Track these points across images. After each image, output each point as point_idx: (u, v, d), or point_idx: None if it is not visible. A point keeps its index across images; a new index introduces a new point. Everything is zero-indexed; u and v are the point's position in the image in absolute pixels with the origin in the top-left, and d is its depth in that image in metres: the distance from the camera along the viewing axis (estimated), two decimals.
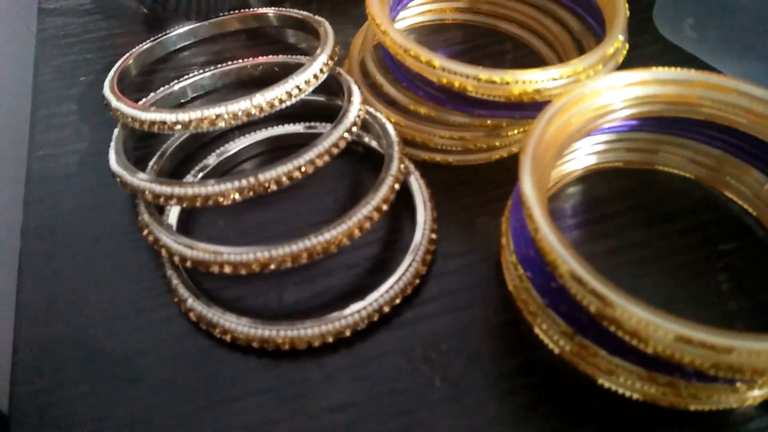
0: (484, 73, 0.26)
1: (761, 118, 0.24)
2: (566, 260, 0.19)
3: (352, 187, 0.30)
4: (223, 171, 0.31)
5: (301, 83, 0.29)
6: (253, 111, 0.28)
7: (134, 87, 0.35)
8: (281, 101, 0.29)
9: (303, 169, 0.26)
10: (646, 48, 0.37)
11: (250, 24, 0.38)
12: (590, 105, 0.24)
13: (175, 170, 0.31)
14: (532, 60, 0.36)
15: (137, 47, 0.35)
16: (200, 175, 0.30)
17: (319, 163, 0.27)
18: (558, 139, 0.23)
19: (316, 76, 0.30)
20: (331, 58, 0.31)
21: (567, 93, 0.24)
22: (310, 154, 0.26)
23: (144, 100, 0.32)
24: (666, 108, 0.25)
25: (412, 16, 0.38)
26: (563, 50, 0.35)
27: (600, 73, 0.28)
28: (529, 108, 0.28)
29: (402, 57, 0.28)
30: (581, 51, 0.34)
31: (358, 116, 0.29)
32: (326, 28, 0.33)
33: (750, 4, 0.30)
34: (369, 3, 0.30)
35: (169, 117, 0.28)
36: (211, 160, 0.31)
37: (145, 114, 0.29)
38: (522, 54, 0.36)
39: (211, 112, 0.28)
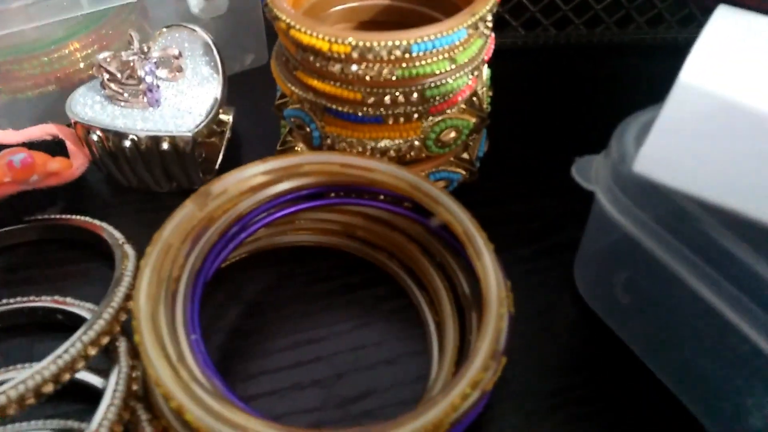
0: None
1: None
2: None
3: None
4: None
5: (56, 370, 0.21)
6: None
7: None
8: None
9: None
10: (562, 310, 0.28)
11: (44, 235, 0.30)
12: None
13: None
14: (408, 318, 0.27)
15: None
16: None
17: None
18: None
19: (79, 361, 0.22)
20: (108, 331, 0.23)
21: None
22: None
23: None
24: None
25: (265, 236, 0.30)
26: (443, 316, 0.26)
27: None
28: None
29: None
30: (461, 317, 0.26)
31: None
32: (121, 274, 0.25)
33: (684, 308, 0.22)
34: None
35: None
36: None
37: None
38: (398, 306, 0.28)
39: None
